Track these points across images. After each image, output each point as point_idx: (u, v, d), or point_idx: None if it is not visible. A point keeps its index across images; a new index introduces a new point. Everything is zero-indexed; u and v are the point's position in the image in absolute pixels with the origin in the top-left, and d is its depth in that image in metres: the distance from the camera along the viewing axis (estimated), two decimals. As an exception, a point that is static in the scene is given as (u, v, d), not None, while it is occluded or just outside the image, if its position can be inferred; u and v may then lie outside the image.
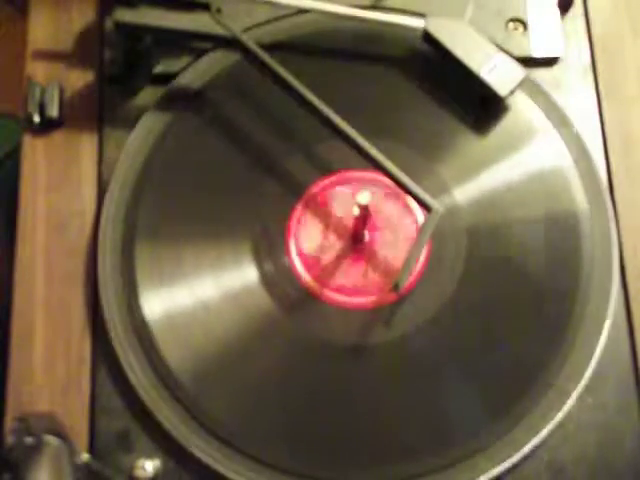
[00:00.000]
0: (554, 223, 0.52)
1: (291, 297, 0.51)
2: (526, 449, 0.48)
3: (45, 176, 0.55)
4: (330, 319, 0.50)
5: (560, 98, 0.56)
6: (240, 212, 0.53)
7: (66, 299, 0.52)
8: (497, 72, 0.53)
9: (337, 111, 0.51)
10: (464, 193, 0.53)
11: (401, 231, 0.52)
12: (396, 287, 0.48)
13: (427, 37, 0.54)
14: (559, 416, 0.48)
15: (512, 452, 0.48)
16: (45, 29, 0.58)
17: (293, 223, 0.53)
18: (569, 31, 0.58)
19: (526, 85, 0.54)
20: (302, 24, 0.57)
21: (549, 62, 0.57)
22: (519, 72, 0.53)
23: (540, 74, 0.56)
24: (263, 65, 0.53)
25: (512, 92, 0.53)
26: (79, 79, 0.57)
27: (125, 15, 0.54)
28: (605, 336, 0.50)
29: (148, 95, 0.56)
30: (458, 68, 0.53)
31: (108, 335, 0.50)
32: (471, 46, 0.53)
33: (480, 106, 0.54)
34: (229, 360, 0.49)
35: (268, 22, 0.57)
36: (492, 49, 0.53)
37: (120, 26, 0.54)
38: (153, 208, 0.53)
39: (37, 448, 0.43)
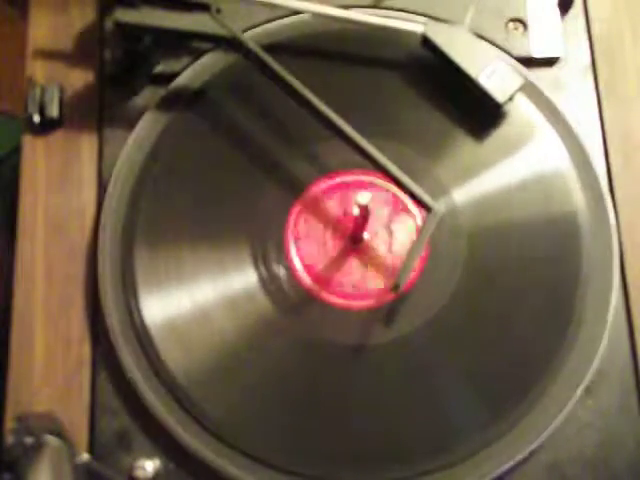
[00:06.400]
0: (553, 223, 0.52)
1: (291, 298, 0.51)
2: (526, 450, 0.48)
3: (45, 176, 0.55)
4: (330, 320, 0.50)
5: (560, 98, 0.56)
6: (240, 213, 0.53)
7: (66, 300, 0.52)
8: (495, 78, 0.53)
9: (337, 111, 0.51)
10: (463, 194, 0.53)
11: (401, 231, 0.52)
12: (396, 288, 0.48)
13: (426, 42, 0.54)
14: (559, 417, 0.48)
15: (512, 453, 0.48)
16: (45, 29, 0.58)
17: (292, 224, 0.53)
18: (569, 31, 0.58)
19: (525, 85, 0.54)
20: (302, 24, 0.57)
21: (549, 62, 0.57)
22: (518, 79, 0.53)
23: (540, 74, 0.56)
24: (263, 65, 0.53)
25: (510, 98, 0.53)
26: (79, 79, 0.57)
27: (125, 15, 0.54)
28: (605, 337, 0.50)
29: (148, 95, 0.56)
30: (457, 73, 0.53)
31: (108, 335, 0.50)
32: (470, 52, 0.53)
33: (479, 108, 0.54)
34: (229, 360, 0.49)
35: (268, 22, 0.57)
36: (491, 55, 0.53)
37: (120, 26, 0.54)
38: (153, 208, 0.53)
39: (37, 448, 0.44)
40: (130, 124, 0.55)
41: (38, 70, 0.57)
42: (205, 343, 0.50)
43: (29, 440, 0.44)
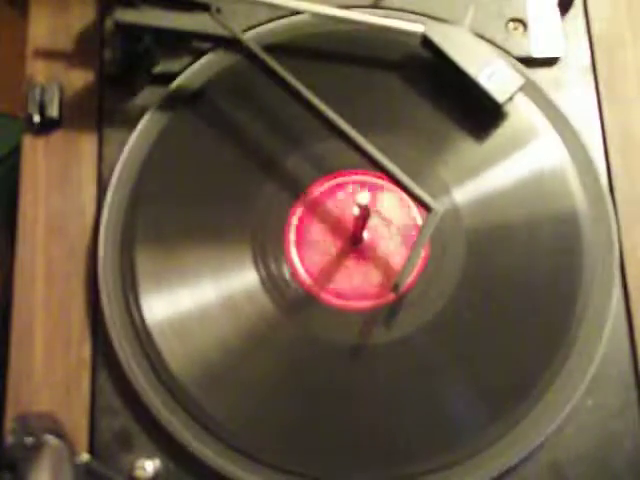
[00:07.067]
0: (554, 223, 0.52)
1: (291, 298, 0.51)
2: (526, 450, 0.48)
3: (45, 176, 0.55)
4: (330, 320, 0.50)
5: (560, 98, 0.56)
6: (240, 213, 0.53)
7: (66, 299, 0.52)
8: (495, 79, 0.53)
9: (337, 111, 0.51)
10: (464, 193, 0.53)
11: (401, 232, 0.52)
12: (396, 288, 0.48)
13: (426, 42, 0.54)
14: (559, 417, 0.48)
15: (512, 453, 0.48)
16: (45, 29, 0.58)
17: (293, 224, 0.53)
18: (569, 31, 0.58)
19: (525, 85, 0.54)
20: (303, 24, 0.57)
21: (549, 62, 0.57)
22: (517, 79, 0.53)
23: (540, 74, 0.56)
24: (263, 65, 0.53)
25: (510, 98, 0.53)
26: (79, 79, 0.57)
27: (125, 15, 0.54)
28: (605, 337, 0.50)
29: (148, 95, 0.56)
30: (457, 73, 0.53)
31: (108, 335, 0.50)
32: (470, 52, 0.53)
33: (479, 108, 0.54)
34: (229, 361, 0.49)
35: (268, 22, 0.57)
36: (491, 55, 0.53)
37: (120, 26, 0.54)
38: (153, 208, 0.53)
39: (37, 448, 0.43)
40: (130, 124, 0.55)
41: (38, 70, 0.57)
42: (205, 342, 0.50)
43: (29, 440, 0.44)
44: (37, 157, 0.55)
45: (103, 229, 0.53)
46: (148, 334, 0.50)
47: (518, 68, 0.55)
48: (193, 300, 0.51)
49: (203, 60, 0.57)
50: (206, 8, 0.54)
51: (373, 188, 0.53)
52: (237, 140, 0.55)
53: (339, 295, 0.51)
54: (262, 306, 0.50)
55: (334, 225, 0.53)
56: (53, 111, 0.55)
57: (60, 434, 0.45)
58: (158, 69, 0.56)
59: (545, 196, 0.52)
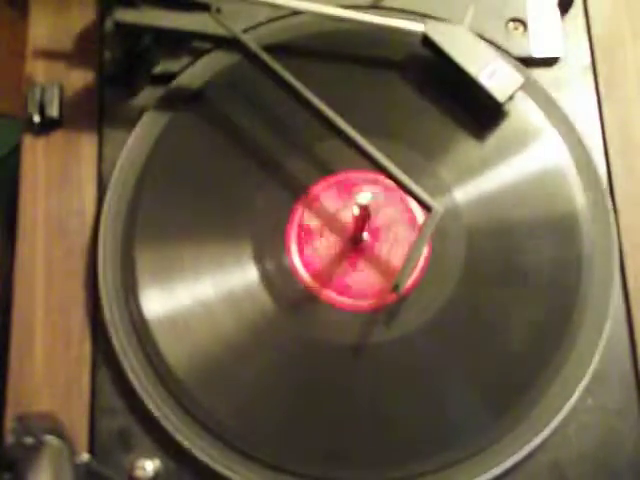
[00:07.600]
0: (554, 223, 0.52)
1: (291, 297, 0.51)
2: (526, 449, 0.48)
3: (45, 176, 0.55)
4: (330, 319, 0.50)
5: (560, 98, 0.56)
6: (240, 212, 0.53)
7: (66, 299, 0.52)
8: (496, 78, 0.53)
9: (337, 111, 0.51)
10: (464, 193, 0.53)
11: (401, 231, 0.52)
12: (396, 288, 0.48)
13: (426, 41, 0.54)
14: (559, 416, 0.48)
15: (512, 452, 0.48)
16: (45, 29, 0.58)
17: (293, 223, 0.53)
18: (569, 31, 0.58)
19: (526, 85, 0.54)
20: (303, 24, 0.57)
21: (549, 62, 0.57)
22: (518, 78, 0.53)
23: (540, 74, 0.56)
24: (263, 65, 0.53)
25: (510, 98, 0.53)
26: (79, 79, 0.57)
27: (125, 15, 0.54)
28: (605, 336, 0.50)
29: (148, 95, 0.56)
30: (458, 72, 0.53)
31: (108, 335, 0.50)
32: (470, 51, 0.53)
33: (480, 107, 0.54)
34: (229, 360, 0.49)
35: (268, 22, 0.57)
36: (491, 54, 0.53)
37: (120, 26, 0.54)
38: (153, 208, 0.53)
39: (37, 448, 0.43)
40: (130, 124, 0.55)
41: (38, 70, 0.57)
42: (206, 341, 0.50)
43: (29, 440, 0.44)
44: (37, 157, 0.55)
45: (103, 229, 0.53)
46: (148, 333, 0.50)
47: (518, 67, 0.55)
48: (193, 299, 0.51)
49: (203, 60, 0.57)
50: (206, 8, 0.54)
51: (373, 188, 0.53)
52: (237, 140, 0.55)
53: (339, 294, 0.51)
54: (263, 305, 0.50)
55: (335, 225, 0.53)
56: (53, 111, 0.55)
57: (60, 434, 0.45)
58: (158, 69, 0.56)
59: (545, 195, 0.52)
